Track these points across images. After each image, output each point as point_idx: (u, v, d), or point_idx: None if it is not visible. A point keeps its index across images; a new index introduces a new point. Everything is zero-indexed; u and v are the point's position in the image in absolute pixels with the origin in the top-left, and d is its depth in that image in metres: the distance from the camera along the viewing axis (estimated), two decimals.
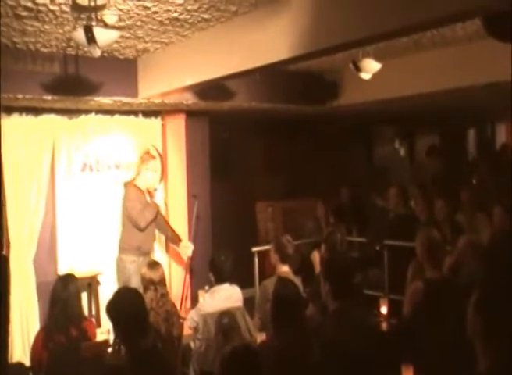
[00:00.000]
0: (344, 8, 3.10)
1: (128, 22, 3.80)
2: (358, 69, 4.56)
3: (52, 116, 5.53)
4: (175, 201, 6.29)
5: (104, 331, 4.00)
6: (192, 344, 4.36)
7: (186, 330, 4.46)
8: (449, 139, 10.59)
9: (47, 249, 5.63)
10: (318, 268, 5.38)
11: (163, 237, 6.13)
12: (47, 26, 3.82)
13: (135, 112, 6.06)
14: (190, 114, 6.22)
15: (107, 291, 5.05)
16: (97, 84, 4.81)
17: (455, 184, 7.40)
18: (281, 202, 8.06)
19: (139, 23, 3.87)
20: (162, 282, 4.30)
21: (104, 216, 5.85)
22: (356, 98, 6.10)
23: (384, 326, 4.22)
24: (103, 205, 5.87)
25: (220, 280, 4.36)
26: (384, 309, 4.34)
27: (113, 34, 3.40)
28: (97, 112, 5.76)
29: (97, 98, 4.97)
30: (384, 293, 5.29)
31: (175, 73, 4.60)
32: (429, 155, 8.98)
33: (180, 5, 3.49)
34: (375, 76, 4.66)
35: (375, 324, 3.98)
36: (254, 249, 5.96)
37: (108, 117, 5.90)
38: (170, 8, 3.55)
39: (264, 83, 5.55)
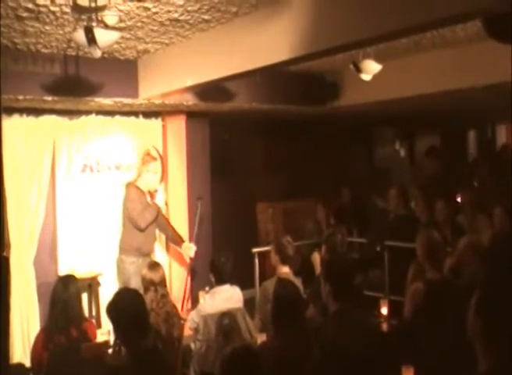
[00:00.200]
0: (345, 9, 3.10)
1: (128, 23, 3.80)
2: (359, 70, 4.56)
3: (53, 117, 5.53)
4: (175, 202, 6.29)
5: (105, 332, 3.99)
6: (192, 345, 4.36)
7: (187, 331, 4.45)
8: (449, 140, 10.60)
9: (47, 250, 5.64)
10: (318, 269, 5.38)
11: (164, 238, 6.14)
12: (47, 27, 3.82)
13: (135, 113, 6.06)
14: (191, 115, 6.22)
15: (107, 292, 5.05)
16: (97, 85, 4.81)
17: (453, 185, 7.41)
18: (281, 203, 8.06)
19: (139, 24, 3.87)
20: (163, 283, 4.29)
21: (105, 217, 5.86)
22: (356, 99, 6.10)
23: (384, 327, 4.22)
24: (103, 206, 5.87)
25: (220, 281, 4.36)
26: (384, 310, 4.34)
27: (114, 35, 3.40)
28: (98, 112, 5.76)
29: (97, 99, 4.97)
30: (384, 294, 5.29)
31: (175, 73, 4.60)
32: (428, 156, 8.99)
33: (181, 6, 3.50)
34: (376, 77, 4.66)
35: (375, 325, 3.98)
36: (255, 250, 5.96)
37: (108, 118, 5.91)
38: (171, 9, 3.55)
39: (264, 84, 5.55)
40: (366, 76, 4.65)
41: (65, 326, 3.78)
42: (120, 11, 3.53)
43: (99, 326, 5.05)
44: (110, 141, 5.99)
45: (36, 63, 4.54)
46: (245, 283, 5.00)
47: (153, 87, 4.96)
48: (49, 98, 4.73)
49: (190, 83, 4.44)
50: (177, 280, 6.25)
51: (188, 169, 6.23)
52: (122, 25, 3.81)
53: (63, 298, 3.85)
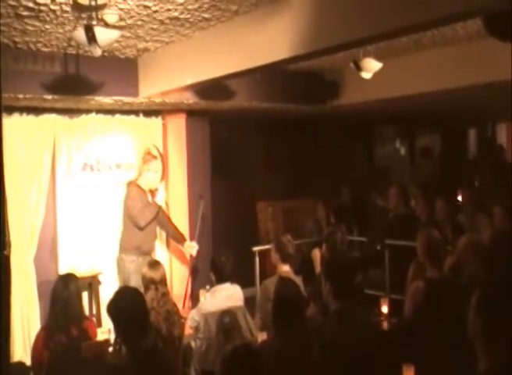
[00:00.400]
0: (345, 7, 3.10)
1: (128, 21, 3.80)
2: (359, 68, 4.56)
3: (53, 116, 5.53)
4: (176, 200, 6.29)
5: (105, 331, 4.00)
6: (193, 344, 4.37)
7: (187, 330, 4.45)
8: (449, 139, 10.60)
9: (47, 249, 5.64)
10: (318, 266, 5.38)
11: (164, 237, 6.14)
12: (48, 26, 3.82)
13: (136, 112, 6.06)
14: (191, 113, 6.21)
15: (108, 291, 5.05)
16: (97, 84, 4.81)
17: (454, 184, 7.42)
18: (281, 202, 8.06)
19: (139, 23, 3.86)
20: (163, 281, 4.29)
21: (105, 216, 5.86)
22: (356, 98, 6.10)
23: (385, 325, 4.22)
24: (104, 205, 5.87)
25: (221, 279, 4.36)
26: (385, 309, 4.35)
27: (114, 34, 3.40)
28: (98, 111, 5.76)
29: (97, 98, 4.97)
30: (385, 292, 5.29)
31: (175, 72, 4.60)
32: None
33: (181, 4, 3.49)
34: (376, 75, 4.65)
35: (375, 324, 3.98)
36: (255, 249, 5.96)
37: (108, 117, 5.90)
38: (171, 7, 3.55)
39: (264, 82, 5.55)
40: (366, 75, 4.64)
41: (65, 325, 3.78)
42: (120, 9, 3.53)
43: (99, 324, 5.05)
44: (110, 139, 5.98)
45: (36, 62, 4.54)
46: (245, 281, 5.00)
47: (153, 86, 4.95)
48: (49, 97, 4.73)
49: (190, 81, 4.44)
50: (178, 279, 6.25)
51: (188, 168, 6.23)
52: (122, 23, 3.81)
53: (63, 296, 3.85)
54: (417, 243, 3.85)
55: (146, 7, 3.51)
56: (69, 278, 4.04)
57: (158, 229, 5.81)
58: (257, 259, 5.92)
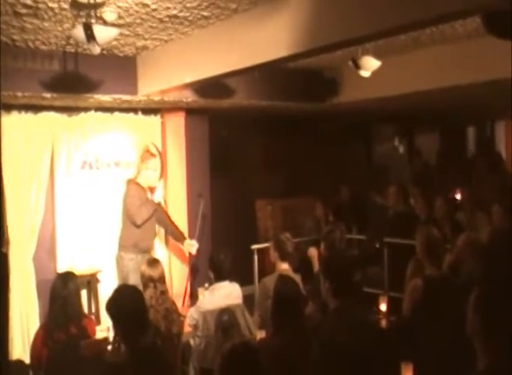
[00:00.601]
0: (343, 5, 3.10)
1: (127, 19, 3.80)
2: (358, 66, 4.55)
3: (52, 114, 5.53)
4: (175, 199, 6.29)
5: (104, 329, 3.99)
6: (192, 342, 4.37)
7: (186, 328, 4.46)
8: (448, 137, 10.61)
9: (46, 247, 5.63)
10: (315, 264, 5.38)
11: (163, 235, 6.14)
12: (46, 24, 3.82)
13: (134, 110, 6.05)
14: (190, 112, 6.21)
15: (106, 289, 5.06)
16: (96, 82, 4.80)
17: (453, 182, 7.43)
18: (280, 200, 8.07)
19: (138, 21, 3.86)
20: (162, 279, 4.29)
21: (104, 214, 5.85)
22: (355, 96, 6.10)
23: (383, 323, 4.22)
24: (103, 203, 5.87)
25: (220, 277, 4.36)
26: (383, 307, 4.35)
27: (112, 32, 3.39)
28: (97, 109, 5.76)
29: (96, 96, 4.97)
30: (384, 290, 5.29)
31: (174, 70, 4.59)
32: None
33: (180, 2, 3.49)
34: (375, 73, 4.65)
35: (374, 322, 3.98)
36: (254, 247, 5.96)
37: (107, 115, 5.90)
38: (169, 5, 3.54)
39: (263, 80, 5.54)
40: (365, 73, 4.64)
41: (64, 323, 3.77)
42: (119, 7, 3.52)
43: (98, 322, 5.04)
44: (109, 137, 5.98)
45: (35, 60, 4.53)
46: (244, 279, 5.00)
47: (152, 84, 4.95)
48: (48, 95, 4.73)
49: (189, 79, 4.44)
50: (177, 277, 6.25)
51: (187, 166, 6.23)
52: (121, 21, 3.80)
53: (62, 294, 3.84)
54: (416, 241, 3.85)
55: (145, 5, 3.51)
56: (68, 276, 4.03)
57: (157, 227, 5.81)
58: (255, 257, 5.92)
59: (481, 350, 2.01)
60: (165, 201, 6.16)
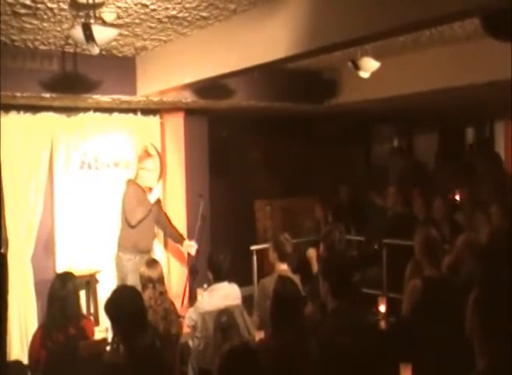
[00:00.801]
0: (343, 6, 3.10)
1: (126, 19, 3.79)
2: (357, 67, 4.55)
3: (51, 114, 5.53)
4: (174, 199, 6.28)
5: (103, 329, 3.99)
6: (190, 343, 4.36)
7: (185, 329, 4.46)
8: (447, 137, 10.61)
9: (45, 247, 5.63)
10: (315, 265, 5.38)
11: (162, 236, 6.13)
12: (45, 24, 3.82)
13: (133, 110, 6.05)
14: (189, 112, 6.21)
15: (105, 290, 5.05)
16: (95, 82, 4.80)
17: (452, 183, 7.42)
18: (279, 201, 8.07)
19: (137, 21, 3.86)
20: (161, 280, 4.29)
21: (103, 214, 5.86)
22: (354, 97, 6.09)
23: (382, 324, 4.22)
24: (101, 203, 5.87)
25: (218, 278, 4.36)
26: (382, 308, 4.35)
27: (112, 32, 3.39)
28: (96, 110, 5.76)
29: (95, 96, 4.96)
30: (382, 291, 5.30)
31: (173, 71, 4.59)
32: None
33: (179, 3, 3.49)
34: (374, 74, 4.65)
35: (373, 323, 3.98)
36: (253, 247, 5.96)
37: (106, 115, 5.90)
38: (169, 6, 3.54)
39: (262, 81, 5.54)
40: (364, 74, 4.64)
41: (63, 324, 3.77)
42: (118, 8, 3.52)
43: (97, 323, 5.05)
44: (108, 138, 5.98)
45: (34, 60, 4.53)
46: (243, 280, 5.00)
47: (151, 85, 4.95)
48: (47, 95, 4.72)
49: (188, 80, 4.44)
50: (176, 278, 6.25)
51: (186, 167, 6.23)
52: (120, 22, 3.80)
53: (61, 295, 3.84)
54: (415, 242, 3.85)
55: (144, 5, 3.51)
56: (66, 277, 4.03)
57: (156, 228, 5.81)
58: (254, 258, 5.92)
59: (480, 350, 2.01)
60: (159, 201, 6.11)
